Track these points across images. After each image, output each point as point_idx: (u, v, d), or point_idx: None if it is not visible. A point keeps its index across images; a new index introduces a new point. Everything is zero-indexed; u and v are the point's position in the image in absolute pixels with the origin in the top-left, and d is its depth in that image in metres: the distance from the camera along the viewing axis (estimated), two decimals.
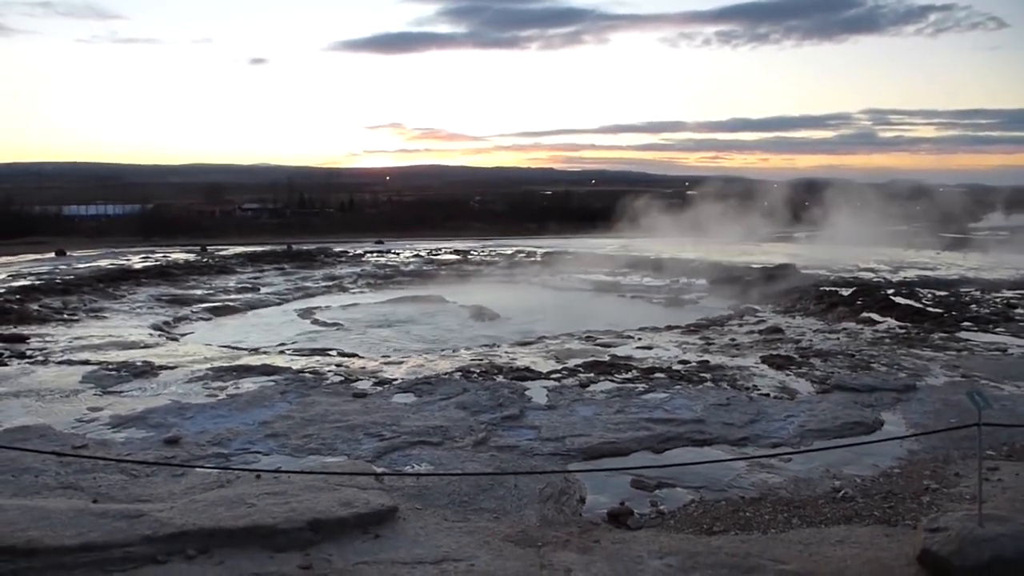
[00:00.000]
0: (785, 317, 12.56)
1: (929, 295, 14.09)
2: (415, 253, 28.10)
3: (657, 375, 7.86)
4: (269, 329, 12.98)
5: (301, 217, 57.86)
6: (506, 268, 22.87)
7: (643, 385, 7.41)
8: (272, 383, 7.50)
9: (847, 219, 25.89)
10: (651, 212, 34.15)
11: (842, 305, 12.94)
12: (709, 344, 9.91)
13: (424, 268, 23.23)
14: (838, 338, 10.24)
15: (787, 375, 7.99)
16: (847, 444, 5.73)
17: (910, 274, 17.60)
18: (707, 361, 8.64)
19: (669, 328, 11.57)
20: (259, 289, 17.72)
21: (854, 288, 14.46)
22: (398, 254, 28.08)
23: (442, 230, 50.23)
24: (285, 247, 27.29)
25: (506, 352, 9.48)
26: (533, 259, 25.38)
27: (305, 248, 27.26)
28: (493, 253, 27.46)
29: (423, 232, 48.01)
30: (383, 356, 9.61)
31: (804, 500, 4.87)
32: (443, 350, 10.28)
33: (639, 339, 10.40)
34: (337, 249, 27.97)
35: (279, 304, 16.26)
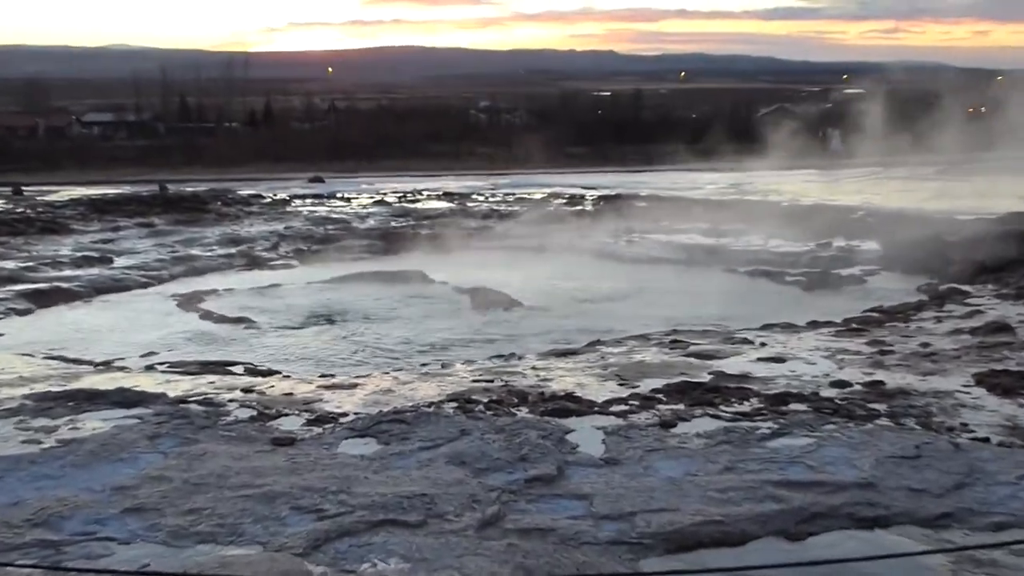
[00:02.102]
0: (1016, 305, 12.38)
1: None
2: (378, 198, 28.16)
3: (794, 407, 7.79)
4: (130, 328, 13.07)
5: (184, 137, 58.21)
6: (533, 224, 22.83)
7: (769, 424, 7.34)
8: (135, 421, 7.53)
9: None
10: (783, 125, 33.79)
11: None
12: (884, 352, 9.80)
13: (393, 224, 23.27)
14: None
15: (1021, 406, 7.88)
16: None
17: None
18: (880, 382, 8.54)
19: (814, 326, 11.47)
20: (112, 260, 17.86)
21: None
22: (349, 200, 28.17)
23: (424, 158, 50.27)
24: (157, 188, 27.44)
25: (533, 368, 9.46)
26: (579, 208, 25.32)
27: (190, 190, 27.43)
28: (511, 198, 27.42)
29: (392, 163, 48.07)
30: (323, 375, 9.61)
31: None
32: (426, 365, 10.26)
33: (762, 344, 10.33)
34: (245, 192, 28.10)
35: (146, 286, 16.36)
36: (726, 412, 7.68)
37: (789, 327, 11.44)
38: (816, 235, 19.06)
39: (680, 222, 21.86)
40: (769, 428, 7.27)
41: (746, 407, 7.82)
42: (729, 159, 34.40)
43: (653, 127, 57.64)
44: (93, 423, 7.51)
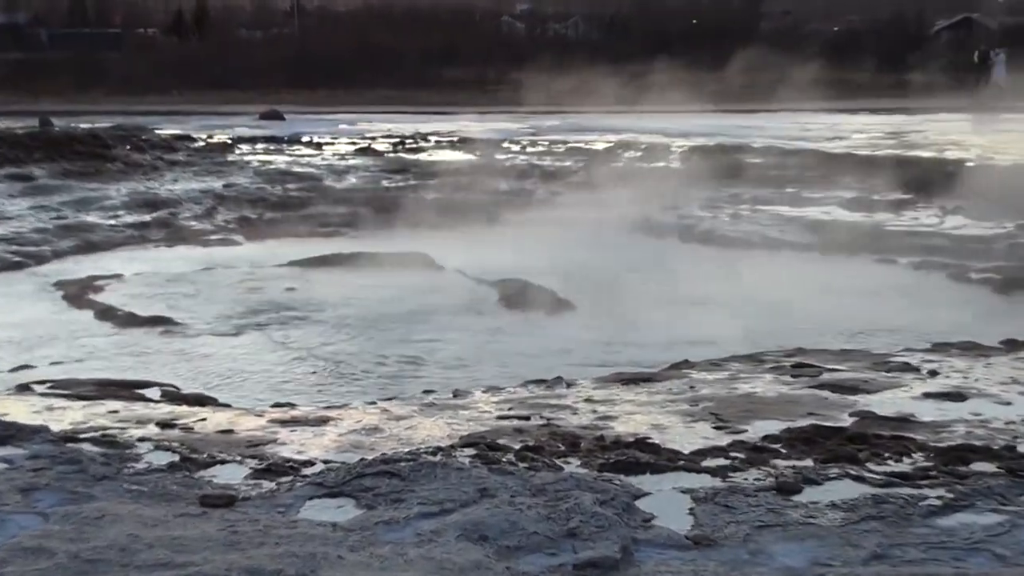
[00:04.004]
0: None
1: None
2: (362, 145, 28.19)
3: (978, 467, 7.71)
4: None
5: (77, 49, 58.50)
6: (591, 187, 22.83)
7: (940, 492, 7.28)
8: (2, 466, 7.56)
9: None
10: (969, 46, 33.64)
11: None
12: None
13: (385, 184, 23.32)
14: None
15: None
16: None
17: None
18: None
19: (1011, 347, 11.41)
20: None
21: None
22: (320, 147, 28.22)
23: (432, 88, 50.30)
24: (37, 124, 27.58)
25: (588, 400, 9.47)
26: (661, 164, 25.23)
27: (86, 127, 27.54)
28: (559, 148, 27.40)
29: (384, 93, 48.05)
30: (278, 404, 9.65)
31: None
32: (430, 392, 10.26)
33: (931, 373, 10.29)
34: (166, 131, 28.24)
35: (19, 267, 16.51)
36: (876, 473, 7.62)
37: (973, 348, 11.36)
38: (1016, 212, 18.90)
39: (812, 188, 21.79)
40: (939, 498, 7.21)
41: (906, 466, 7.76)
42: (888, 95, 34.27)
43: (775, 45, 57.34)
44: None
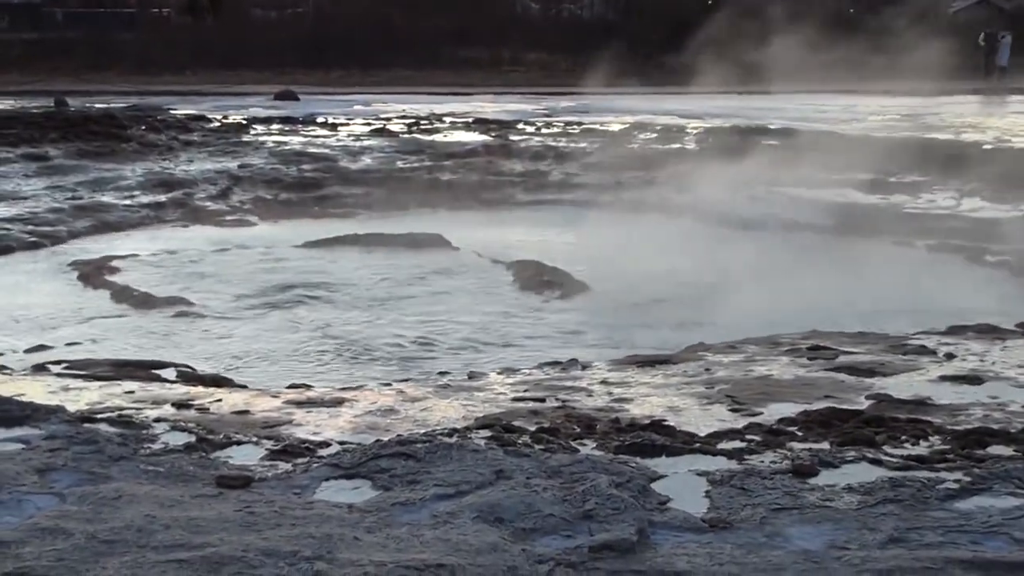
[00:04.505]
0: None
1: None
2: (377, 126, 28.15)
3: (995, 450, 7.68)
4: (10, 309, 13.20)
5: (92, 29, 58.44)
6: (607, 169, 22.78)
7: (958, 475, 7.25)
8: (19, 446, 7.55)
9: None
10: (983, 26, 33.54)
11: None
12: None
13: (400, 165, 23.28)
14: None
15: None
16: None
17: None
18: None
19: None
20: None
21: None
22: (335, 127, 28.19)
23: (447, 68, 50.22)
24: (52, 104, 27.60)
25: (604, 382, 9.47)
26: (677, 146, 25.18)
27: (101, 107, 27.59)
28: (575, 129, 27.32)
29: (399, 74, 48.02)
30: (293, 385, 9.64)
31: None
32: (445, 373, 10.27)
33: (948, 356, 10.26)
34: (181, 112, 28.24)
35: (35, 247, 16.52)
36: (892, 456, 7.59)
37: (990, 331, 11.33)
38: None
39: (828, 170, 21.71)
40: (957, 481, 7.18)
41: (923, 449, 7.74)
42: (905, 76, 34.12)
43: (791, 25, 57.05)
44: None
